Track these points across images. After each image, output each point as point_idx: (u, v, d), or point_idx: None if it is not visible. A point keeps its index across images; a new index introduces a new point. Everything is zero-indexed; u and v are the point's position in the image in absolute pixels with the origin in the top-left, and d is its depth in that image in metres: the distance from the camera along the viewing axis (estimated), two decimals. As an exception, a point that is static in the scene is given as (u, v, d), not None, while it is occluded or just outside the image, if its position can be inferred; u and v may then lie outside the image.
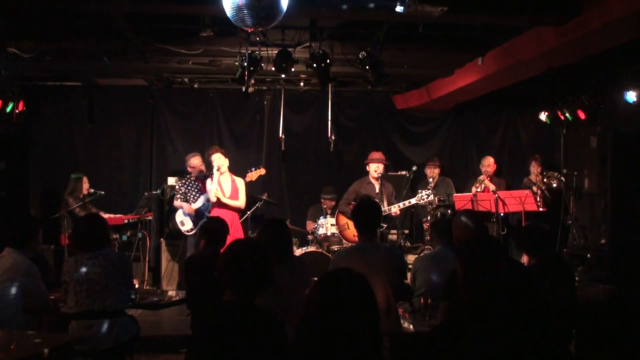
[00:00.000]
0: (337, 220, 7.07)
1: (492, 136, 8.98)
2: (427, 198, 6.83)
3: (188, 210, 6.94)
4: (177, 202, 7.10)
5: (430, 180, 7.85)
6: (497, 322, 2.03)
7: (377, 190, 6.95)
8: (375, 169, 7.00)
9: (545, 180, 7.34)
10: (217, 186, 6.55)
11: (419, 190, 7.05)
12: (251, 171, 6.84)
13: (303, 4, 4.34)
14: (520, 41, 5.64)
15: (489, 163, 7.70)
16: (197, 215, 6.94)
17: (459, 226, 3.93)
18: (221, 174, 6.62)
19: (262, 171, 6.88)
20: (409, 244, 7.44)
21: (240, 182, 6.73)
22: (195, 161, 7.18)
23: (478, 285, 2.08)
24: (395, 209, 6.75)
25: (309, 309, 1.90)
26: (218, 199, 6.56)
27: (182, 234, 7.06)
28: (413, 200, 6.82)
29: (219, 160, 6.61)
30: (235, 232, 6.38)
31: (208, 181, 6.73)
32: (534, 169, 7.67)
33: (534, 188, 7.27)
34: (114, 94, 8.30)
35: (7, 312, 3.70)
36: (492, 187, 7.27)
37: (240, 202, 6.67)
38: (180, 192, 7.10)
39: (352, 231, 6.82)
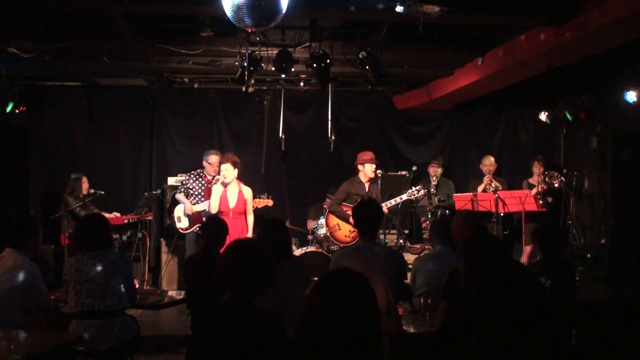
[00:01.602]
0: (327, 221, 6.91)
1: (492, 136, 8.98)
2: (417, 193, 6.75)
3: (188, 211, 6.90)
4: (179, 195, 6.98)
5: (434, 179, 7.83)
6: (497, 321, 2.03)
7: (367, 190, 6.89)
8: (373, 169, 6.86)
9: (546, 180, 7.34)
10: (217, 199, 6.35)
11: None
12: (259, 198, 6.74)
13: (303, 4, 4.34)
14: (520, 41, 5.64)
15: (490, 162, 7.70)
16: (195, 218, 6.91)
17: (459, 226, 3.92)
18: (226, 185, 6.38)
19: (270, 203, 6.76)
20: (409, 244, 7.43)
21: (248, 193, 6.47)
22: (213, 158, 6.96)
23: (479, 285, 2.08)
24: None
25: (309, 309, 1.90)
26: (222, 209, 6.38)
27: (178, 232, 7.04)
28: (404, 196, 6.74)
29: (225, 172, 6.33)
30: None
31: (214, 188, 6.45)
32: (537, 169, 7.66)
33: (534, 190, 7.27)
34: (114, 94, 8.30)
35: (7, 312, 3.70)
36: (499, 186, 7.27)
37: (250, 218, 6.46)
38: (186, 186, 7.03)
39: (343, 232, 6.76)
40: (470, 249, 2.86)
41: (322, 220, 7.13)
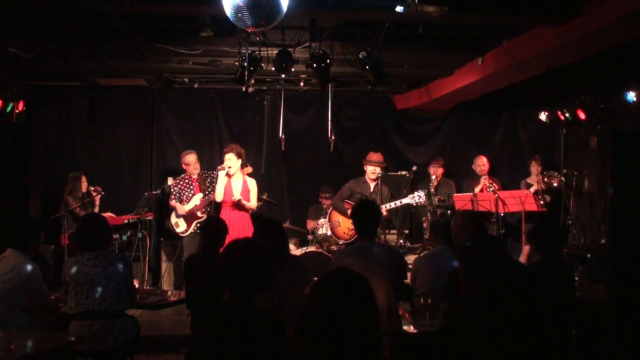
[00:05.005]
0: (330, 217, 7.01)
1: (492, 136, 8.98)
2: (419, 199, 6.69)
3: (180, 212, 6.93)
4: (172, 202, 7.10)
5: (433, 178, 7.82)
6: (497, 322, 2.03)
7: (372, 190, 6.93)
8: (372, 171, 6.93)
9: (545, 180, 7.34)
10: (221, 187, 6.44)
11: (417, 190, 6.99)
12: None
13: (303, 4, 4.34)
14: (520, 41, 5.63)
15: (483, 162, 7.71)
16: (190, 216, 6.92)
17: (458, 226, 3.93)
18: (230, 175, 6.46)
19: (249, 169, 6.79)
20: (409, 244, 7.42)
21: (252, 183, 6.59)
22: (189, 158, 7.13)
23: (478, 287, 2.08)
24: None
25: (309, 308, 1.91)
26: (225, 199, 6.47)
27: (179, 236, 7.07)
28: (405, 200, 6.72)
29: (229, 161, 6.44)
30: (246, 232, 6.25)
31: (220, 175, 6.49)
32: (534, 169, 7.67)
33: (532, 190, 7.27)
34: (114, 94, 8.30)
35: (7, 312, 3.70)
36: (494, 187, 7.27)
37: (252, 203, 6.53)
38: (175, 191, 7.09)
39: (342, 229, 6.84)
40: (466, 252, 2.86)
41: (322, 220, 7.14)
